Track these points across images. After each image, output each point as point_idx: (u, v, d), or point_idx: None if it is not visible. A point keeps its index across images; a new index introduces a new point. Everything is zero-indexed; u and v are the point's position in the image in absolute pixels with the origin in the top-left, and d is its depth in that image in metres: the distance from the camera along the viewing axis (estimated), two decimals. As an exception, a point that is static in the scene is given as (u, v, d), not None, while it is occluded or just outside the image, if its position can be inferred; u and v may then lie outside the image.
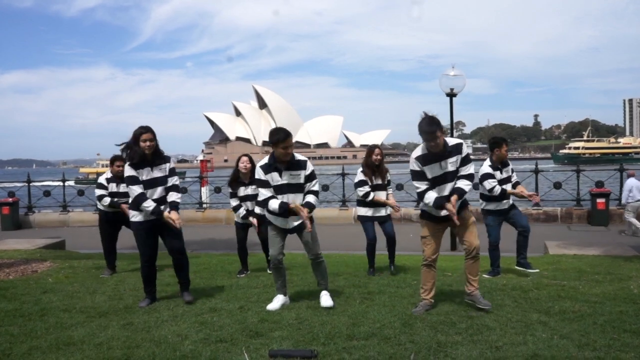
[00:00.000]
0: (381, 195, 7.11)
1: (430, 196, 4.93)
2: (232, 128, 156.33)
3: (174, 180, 5.60)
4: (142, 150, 5.37)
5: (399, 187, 15.71)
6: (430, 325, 4.59)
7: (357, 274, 7.16)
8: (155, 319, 4.95)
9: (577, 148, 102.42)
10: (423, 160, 4.95)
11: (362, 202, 7.14)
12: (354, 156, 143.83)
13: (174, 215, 5.44)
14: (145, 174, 5.43)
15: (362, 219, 7.23)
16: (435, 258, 5.18)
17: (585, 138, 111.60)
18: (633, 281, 6.25)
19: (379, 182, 7.11)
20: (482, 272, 7.13)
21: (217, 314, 5.10)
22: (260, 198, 5.32)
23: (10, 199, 15.97)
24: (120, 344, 4.27)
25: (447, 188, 4.97)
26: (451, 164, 4.94)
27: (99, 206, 7.71)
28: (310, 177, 5.33)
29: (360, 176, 7.09)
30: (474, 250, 5.11)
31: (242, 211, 7.19)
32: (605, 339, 4.17)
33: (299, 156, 5.31)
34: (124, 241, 7.97)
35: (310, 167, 5.35)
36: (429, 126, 4.79)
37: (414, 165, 5.00)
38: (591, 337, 4.22)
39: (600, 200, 13.76)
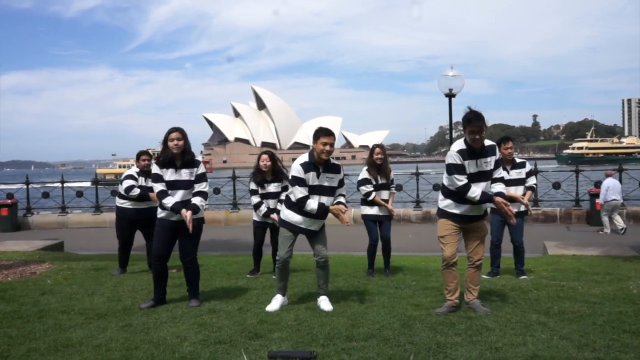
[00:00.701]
0: (383, 195, 7.13)
1: (476, 190, 4.84)
2: (231, 129, 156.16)
3: (201, 187, 5.44)
4: (170, 150, 5.36)
5: (398, 188, 15.70)
6: (430, 326, 4.58)
7: (357, 275, 7.16)
8: (154, 321, 4.94)
9: (581, 148, 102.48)
10: (463, 154, 4.91)
11: (366, 200, 7.15)
12: (353, 157, 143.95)
13: (188, 213, 5.25)
14: (169, 175, 5.38)
15: (366, 217, 7.21)
16: (455, 260, 5.08)
17: (588, 138, 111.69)
18: (632, 281, 6.25)
19: (384, 181, 7.13)
20: (482, 272, 7.13)
21: (216, 315, 5.09)
22: (296, 196, 5.12)
23: (9, 201, 15.94)
24: (119, 345, 4.25)
25: (481, 187, 4.92)
26: (486, 163, 4.95)
27: (118, 203, 7.61)
28: (342, 182, 5.38)
29: (364, 174, 7.12)
30: (479, 261, 5.16)
31: (263, 208, 7.05)
32: (604, 339, 4.16)
33: (334, 160, 5.31)
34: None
35: (343, 172, 5.40)
36: (479, 120, 4.82)
37: (455, 159, 4.89)
38: (590, 337, 4.21)
39: (599, 201, 13.74)
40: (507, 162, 6.76)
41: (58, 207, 17.01)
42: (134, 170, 7.42)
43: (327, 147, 5.14)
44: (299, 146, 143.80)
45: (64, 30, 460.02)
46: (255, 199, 7.10)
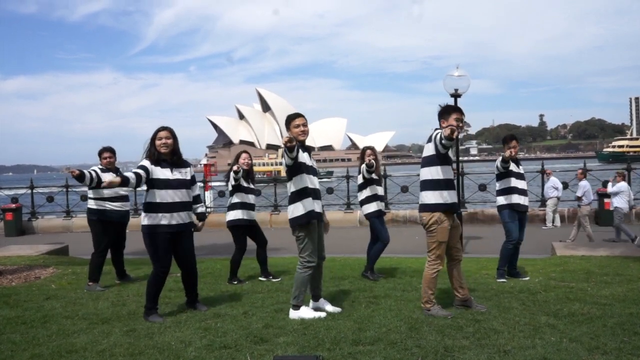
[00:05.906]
0: (379, 190, 7.19)
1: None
2: (236, 131, 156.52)
3: (197, 190, 5.50)
4: (157, 149, 5.20)
5: (404, 189, 15.66)
6: (437, 329, 4.52)
7: (362, 277, 7.08)
8: (158, 325, 4.89)
9: (622, 146, 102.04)
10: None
11: (366, 199, 7.11)
12: (358, 158, 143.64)
13: (200, 223, 5.55)
14: (162, 173, 5.18)
15: (371, 215, 7.11)
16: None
17: (628, 136, 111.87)
18: (642, 282, 6.16)
19: (376, 178, 7.21)
20: (493, 276, 7.01)
21: (221, 319, 5.05)
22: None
23: (14, 205, 15.98)
24: (123, 350, 4.21)
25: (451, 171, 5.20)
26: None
27: (91, 204, 7.20)
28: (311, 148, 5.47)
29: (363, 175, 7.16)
30: (460, 255, 5.32)
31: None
32: (615, 341, 4.10)
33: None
34: (128, 246, 7.85)
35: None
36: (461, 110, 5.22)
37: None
38: (601, 340, 4.14)
39: (607, 200, 13.64)
40: (513, 159, 6.90)
41: (63, 211, 17.02)
42: (97, 168, 7.17)
43: (302, 127, 5.22)
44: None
45: (68, 34, 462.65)
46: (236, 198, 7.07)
